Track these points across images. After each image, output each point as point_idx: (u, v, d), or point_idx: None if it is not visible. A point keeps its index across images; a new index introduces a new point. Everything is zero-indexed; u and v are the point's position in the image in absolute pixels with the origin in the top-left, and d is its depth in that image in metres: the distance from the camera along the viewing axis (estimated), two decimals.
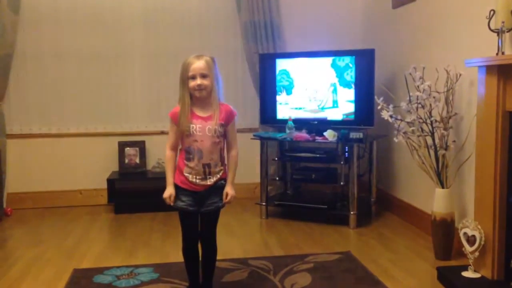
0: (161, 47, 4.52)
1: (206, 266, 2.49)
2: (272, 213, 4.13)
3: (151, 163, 4.54)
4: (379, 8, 4.38)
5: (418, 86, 3.11)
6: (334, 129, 3.81)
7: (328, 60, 3.94)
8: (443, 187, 3.06)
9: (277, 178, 4.33)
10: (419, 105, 3.12)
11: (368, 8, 4.64)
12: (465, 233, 2.67)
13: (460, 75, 2.99)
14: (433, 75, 3.18)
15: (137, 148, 4.50)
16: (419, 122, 3.14)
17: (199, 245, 2.46)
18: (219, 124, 2.35)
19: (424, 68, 3.15)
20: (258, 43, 4.44)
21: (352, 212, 3.73)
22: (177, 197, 2.38)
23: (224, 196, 2.40)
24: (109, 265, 3.02)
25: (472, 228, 2.63)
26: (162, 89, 4.49)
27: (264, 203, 4.05)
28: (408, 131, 3.19)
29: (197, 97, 2.33)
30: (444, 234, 3.04)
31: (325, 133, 3.80)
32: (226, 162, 2.45)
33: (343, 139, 3.73)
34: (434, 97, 3.09)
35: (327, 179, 4.09)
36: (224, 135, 2.41)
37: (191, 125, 2.32)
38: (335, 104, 3.95)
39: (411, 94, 3.16)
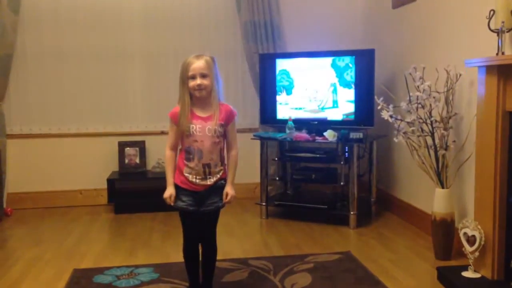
0: (161, 47, 4.52)
1: (206, 266, 2.49)
2: (272, 213, 4.13)
3: (151, 163, 4.55)
4: (379, 8, 4.38)
5: (418, 86, 3.11)
6: (334, 129, 3.81)
7: (328, 60, 3.94)
8: (443, 187, 3.06)
9: (277, 178, 4.33)
10: (419, 105, 3.12)
11: (368, 8, 4.64)
12: (465, 233, 2.67)
13: (460, 75, 2.99)
14: (433, 75, 3.18)
15: (137, 148, 4.51)
16: (419, 122, 3.14)
17: (200, 245, 2.46)
18: (219, 124, 2.35)
19: (424, 68, 3.15)
20: (258, 43, 4.44)
21: (352, 212, 3.73)
22: (177, 197, 2.38)
23: (224, 196, 2.40)
24: (109, 265, 3.02)
25: (472, 228, 2.63)
26: (162, 89, 4.48)
27: (264, 203, 4.05)
28: (408, 131, 3.19)
29: (197, 97, 2.33)
30: (444, 234, 3.04)
31: (325, 133, 3.80)
32: (226, 162, 2.45)
33: (343, 139, 3.73)
34: (434, 97, 3.08)
35: (327, 179, 4.09)
36: (224, 135, 2.41)
37: (191, 125, 2.32)
38: (335, 104, 3.95)
39: (411, 94, 3.15)
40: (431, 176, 3.10)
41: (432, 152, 3.08)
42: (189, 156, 2.35)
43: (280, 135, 3.98)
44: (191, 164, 2.35)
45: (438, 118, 3.07)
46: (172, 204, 2.38)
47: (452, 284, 2.60)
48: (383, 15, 4.29)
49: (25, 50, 4.32)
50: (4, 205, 4.19)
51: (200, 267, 2.49)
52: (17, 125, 4.39)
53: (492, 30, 2.60)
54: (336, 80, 3.92)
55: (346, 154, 3.84)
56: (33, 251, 3.31)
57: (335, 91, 3.94)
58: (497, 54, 2.56)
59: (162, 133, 4.41)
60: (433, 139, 3.07)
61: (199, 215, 2.40)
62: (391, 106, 3.28)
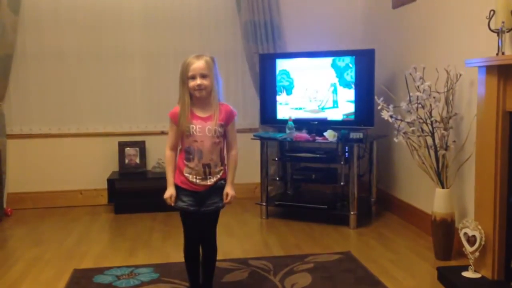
0: (161, 47, 4.52)
1: (206, 266, 2.49)
2: (272, 213, 4.13)
3: (151, 163, 4.55)
4: (379, 8, 4.38)
5: (418, 86, 3.11)
6: (334, 129, 3.81)
7: (328, 60, 3.94)
8: (443, 187, 3.06)
9: (277, 178, 4.33)
10: (419, 105, 3.12)
11: (368, 8, 4.64)
12: (465, 233, 2.67)
13: (460, 75, 2.99)
14: (433, 75, 3.18)
15: (137, 148, 4.50)
16: (419, 122, 3.14)
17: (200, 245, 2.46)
18: (219, 124, 2.35)
19: (424, 68, 3.15)
20: (258, 43, 4.44)
21: (352, 212, 3.73)
22: (177, 197, 2.38)
23: (224, 197, 2.40)
24: (109, 265, 3.02)
25: (472, 228, 2.63)
26: (162, 89, 4.48)
27: (264, 203, 4.05)
28: (408, 131, 3.20)
29: (197, 97, 2.32)
30: (444, 234, 3.04)
31: (325, 133, 3.80)
32: (226, 162, 2.44)
33: (343, 139, 3.73)
34: (434, 97, 3.08)
35: (327, 179, 4.09)
36: (224, 135, 2.41)
37: (191, 126, 2.32)
38: (335, 104, 3.95)
39: (411, 94, 3.15)
40: (431, 176, 3.10)
41: (432, 152, 3.08)
42: (189, 156, 2.35)
43: (280, 135, 3.98)
44: (191, 164, 2.35)
45: (438, 118, 3.07)
46: (172, 204, 2.38)
47: (452, 284, 2.60)
48: (383, 15, 4.29)
49: (25, 50, 4.32)
50: (4, 205, 4.19)
51: (200, 267, 2.49)
52: (17, 125, 4.39)
53: (492, 30, 2.60)
54: (336, 80, 3.92)
55: (346, 154, 3.84)
56: (33, 251, 3.31)
57: (335, 91, 3.94)
58: (497, 54, 2.57)
59: (162, 133, 4.41)
60: (433, 139, 3.07)
61: (200, 215, 2.40)
62: (391, 106, 3.28)
